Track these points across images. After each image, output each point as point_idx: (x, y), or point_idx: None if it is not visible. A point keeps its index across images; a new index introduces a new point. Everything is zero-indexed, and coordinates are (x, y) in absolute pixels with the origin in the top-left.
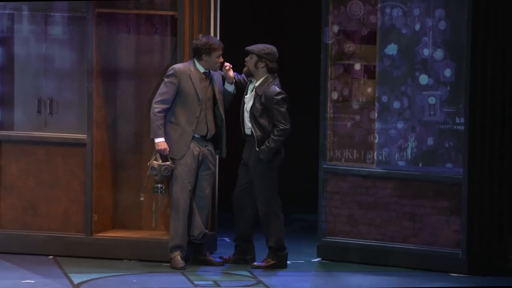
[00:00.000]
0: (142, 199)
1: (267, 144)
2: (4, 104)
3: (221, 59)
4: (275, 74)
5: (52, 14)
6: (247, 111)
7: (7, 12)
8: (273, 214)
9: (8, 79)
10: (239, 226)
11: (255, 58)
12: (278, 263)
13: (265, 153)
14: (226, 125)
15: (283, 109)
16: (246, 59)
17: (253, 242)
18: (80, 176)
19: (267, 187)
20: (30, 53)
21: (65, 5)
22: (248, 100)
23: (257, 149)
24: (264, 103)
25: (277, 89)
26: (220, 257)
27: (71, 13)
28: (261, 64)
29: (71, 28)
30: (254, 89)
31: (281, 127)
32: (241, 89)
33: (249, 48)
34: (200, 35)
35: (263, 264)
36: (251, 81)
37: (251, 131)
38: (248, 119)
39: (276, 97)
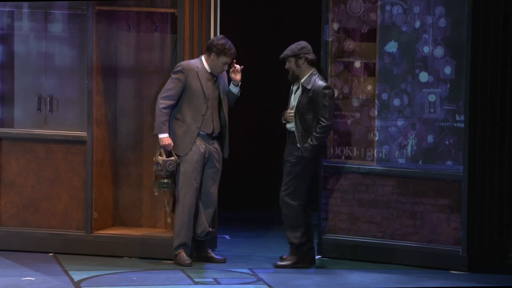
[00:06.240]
0: (156, 194)
1: (310, 142)
2: (4, 101)
3: (226, 68)
4: (318, 70)
5: (52, 11)
6: (293, 106)
7: (7, 9)
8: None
9: (8, 77)
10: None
11: (293, 60)
12: (303, 258)
13: (308, 151)
14: (229, 124)
15: (328, 104)
16: (286, 66)
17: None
18: (80, 173)
19: (299, 183)
20: (30, 51)
21: (65, 2)
22: (295, 99)
23: (298, 145)
24: (311, 97)
25: (324, 83)
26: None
27: (71, 10)
28: (301, 61)
29: (71, 26)
30: (300, 85)
31: (322, 124)
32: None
33: (281, 55)
34: (222, 36)
35: (285, 263)
36: (293, 85)
37: (294, 127)
38: (294, 115)
39: (323, 91)
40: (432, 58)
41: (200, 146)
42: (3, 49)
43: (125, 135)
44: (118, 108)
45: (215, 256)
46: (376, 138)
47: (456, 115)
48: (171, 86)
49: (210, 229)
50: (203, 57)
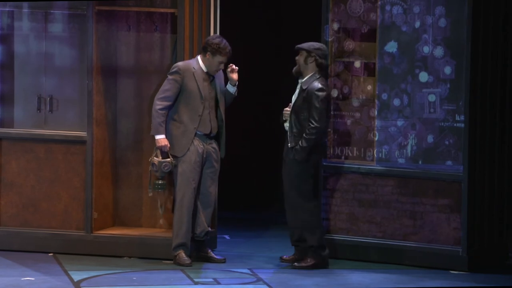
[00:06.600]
0: (150, 194)
1: (300, 144)
2: (4, 101)
3: (222, 67)
4: (323, 73)
5: (52, 11)
6: (291, 105)
7: (7, 9)
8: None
9: (8, 77)
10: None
11: (304, 54)
12: (319, 262)
13: (298, 153)
14: (227, 124)
15: (319, 106)
16: (296, 57)
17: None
18: (80, 173)
19: (304, 184)
20: (30, 51)
21: (65, 2)
22: (295, 97)
23: (289, 145)
24: (305, 98)
25: (319, 85)
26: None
27: (71, 10)
28: (310, 60)
29: (71, 26)
30: (300, 84)
31: (311, 126)
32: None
33: (298, 45)
34: (217, 35)
35: (305, 264)
36: (298, 82)
37: (288, 126)
38: (290, 114)
39: (316, 92)
40: (432, 58)
41: (198, 146)
42: (3, 49)
43: (125, 135)
44: (118, 108)
45: (215, 256)
46: (376, 138)
47: (456, 115)
48: (167, 87)
49: (209, 229)
50: (199, 57)
